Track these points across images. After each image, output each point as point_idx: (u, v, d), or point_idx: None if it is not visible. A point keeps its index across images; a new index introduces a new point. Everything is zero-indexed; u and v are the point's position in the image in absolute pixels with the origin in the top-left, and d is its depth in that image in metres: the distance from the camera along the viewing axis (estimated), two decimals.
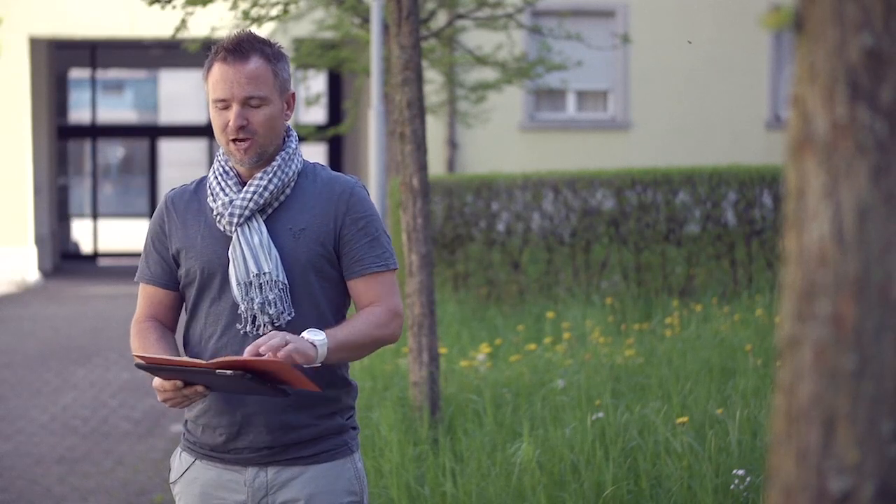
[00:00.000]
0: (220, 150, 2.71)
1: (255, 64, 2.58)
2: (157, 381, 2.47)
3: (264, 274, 2.56)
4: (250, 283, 2.56)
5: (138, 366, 2.46)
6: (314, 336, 2.45)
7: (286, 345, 2.39)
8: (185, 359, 2.52)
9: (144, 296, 2.72)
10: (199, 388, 2.46)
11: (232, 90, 2.57)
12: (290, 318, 2.57)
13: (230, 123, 2.57)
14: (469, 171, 15.09)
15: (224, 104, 2.58)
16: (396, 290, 2.66)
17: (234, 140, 2.59)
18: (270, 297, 2.56)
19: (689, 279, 10.13)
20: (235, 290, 2.58)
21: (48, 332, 12.19)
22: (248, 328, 2.59)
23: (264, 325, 2.57)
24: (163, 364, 2.45)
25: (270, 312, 2.56)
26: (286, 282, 2.57)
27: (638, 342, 7.35)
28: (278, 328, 2.56)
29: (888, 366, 1.08)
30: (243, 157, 2.60)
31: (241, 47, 2.58)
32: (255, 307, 2.56)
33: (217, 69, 2.60)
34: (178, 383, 2.45)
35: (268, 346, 2.38)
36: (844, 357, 1.09)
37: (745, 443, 4.63)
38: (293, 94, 2.68)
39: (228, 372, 2.35)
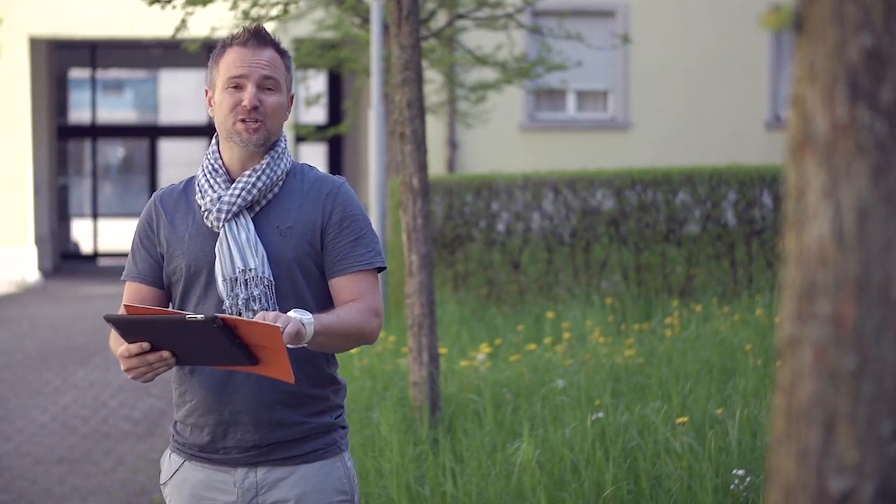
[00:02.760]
0: (210, 148, 2.73)
1: (271, 53, 2.65)
2: (122, 347, 2.39)
3: (250, 270, 2.56)
4: (236, 279, 2.57)
5: (107, 318, 2.35)
6: (302, 315, 2.43)
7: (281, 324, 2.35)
8: (160, 309, 2.45)
9: (129, 293, 2.70)
10: (165, 354, 2.37)
11: (250, 69, 2.61)
12: None
13: (244, 102, 2.60)
14: (469, 171, 15.09)
15: (238, 84, 2.61)
16: (377, 291, 2.66)
17: (243, 120, 2.60)
18: (255, 293, 2.56)
19: (689, 279, 10.13)
20: (221, 285, 2.59)
21: (48, 332, 12.19)
22: None
23: None
24: (136, 314, 2.36)
25: (255, 308, 2.56)
26: (272, 278, 2.58)
27: (638, 342, 7.35)
28: None
29: (888, 366, 1.08)
30: (250, 136, 2.61)
31: (261, 34, 2.65)
32: (240, 303, 2.57)
33: (234, 52, 2.64)
34: (145, 345, 2.36)
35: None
36: (844, 357, 1.09)
37: (745, 443, 4.63)
38: (293, 97, 2.73)
39: (199, 316, 2.27)
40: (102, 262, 22.19)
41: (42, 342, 11.42)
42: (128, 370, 2.41)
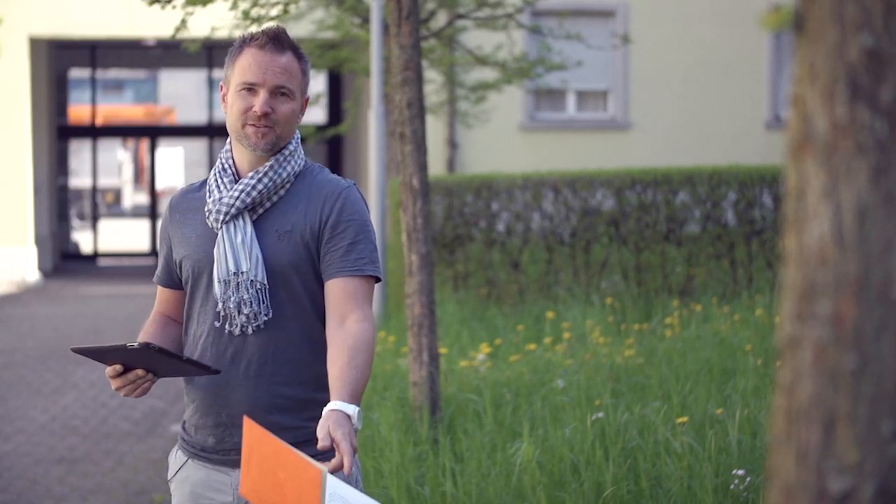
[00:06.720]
0: (224, 148, 2.72)
1: (288, 58, 2.61)
2: (107, 369, 2.51)
3: (242, 273, 2.56)
4: (229, 281, 2.58)
5: (73, 350, 2.48)
6: (346, 408, 2.36)
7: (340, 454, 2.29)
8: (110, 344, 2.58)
9: (158, 293, 2.81)
10: (140, 372, 2.49)
11: (264, 76, 2.58)
12: (266, 318, 2.57)
13: (255, 108, 2.57)
14: (469, 171, 15.09)
15: (251, 88, 2.59)
16: (369, 299, 2.60)
17: (252, 124, 2.59)
18: (246, 296, 2.56)
19: (689, 279, 10.13)
20: (216, 287, 2.60)
21: (48, 332, 12.19)
22: (229, 327, 2.60)
23: (241, 325, 2.59)
24: (94, 348, 2.48)
25: (246, 312, 2.57)
26: (265, 282, 2.57)
27: (638, 342, 7.35)
28: (257, 328, 2.58)
29: (888, 366, 1.08)
30: (259, 141, 2.59)
31: (280, 39, 2.61)
32: (232, 306, 2.58)
33: (250, 54, 2.60)
34: (118, 367, 2.48)
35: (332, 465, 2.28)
36: (844, 357, 1.09)
37: (745, 443, 4.63)
38: (307, 99, 2.70)
39: (135, 344, 2.39)
40: (102, 262, 22.20)
41: (42, 342, 11.42)
42: (117, 389, 2.53)
